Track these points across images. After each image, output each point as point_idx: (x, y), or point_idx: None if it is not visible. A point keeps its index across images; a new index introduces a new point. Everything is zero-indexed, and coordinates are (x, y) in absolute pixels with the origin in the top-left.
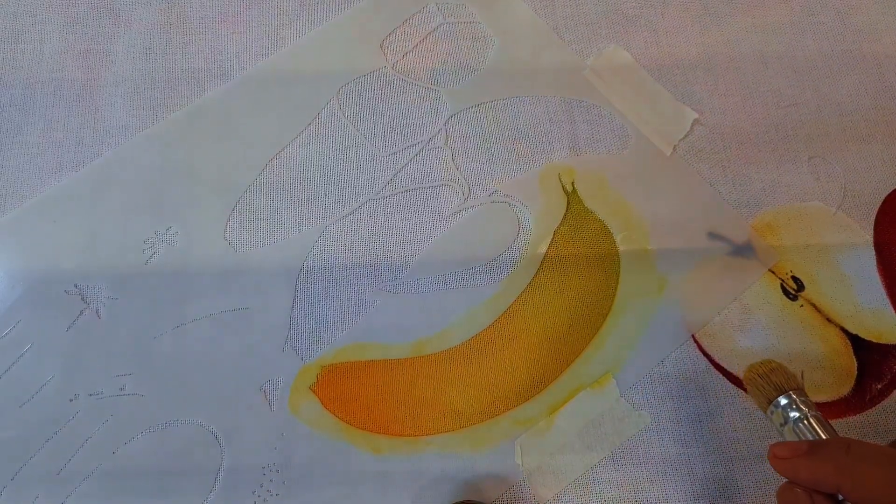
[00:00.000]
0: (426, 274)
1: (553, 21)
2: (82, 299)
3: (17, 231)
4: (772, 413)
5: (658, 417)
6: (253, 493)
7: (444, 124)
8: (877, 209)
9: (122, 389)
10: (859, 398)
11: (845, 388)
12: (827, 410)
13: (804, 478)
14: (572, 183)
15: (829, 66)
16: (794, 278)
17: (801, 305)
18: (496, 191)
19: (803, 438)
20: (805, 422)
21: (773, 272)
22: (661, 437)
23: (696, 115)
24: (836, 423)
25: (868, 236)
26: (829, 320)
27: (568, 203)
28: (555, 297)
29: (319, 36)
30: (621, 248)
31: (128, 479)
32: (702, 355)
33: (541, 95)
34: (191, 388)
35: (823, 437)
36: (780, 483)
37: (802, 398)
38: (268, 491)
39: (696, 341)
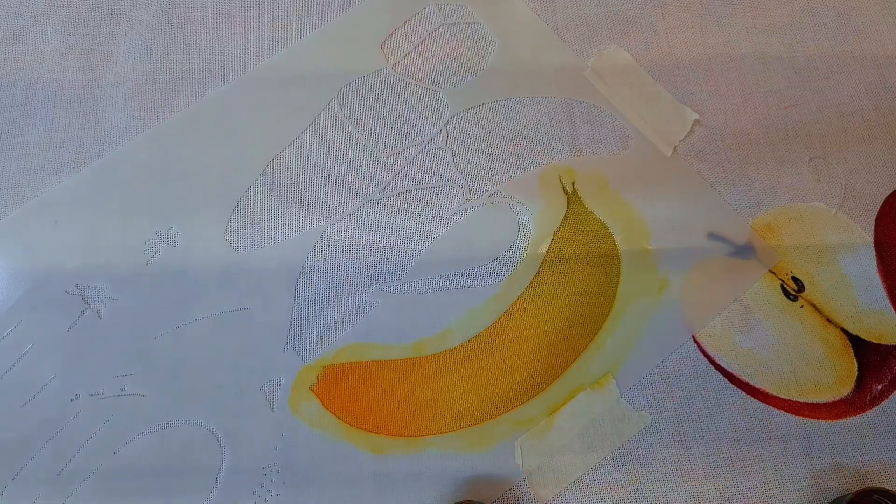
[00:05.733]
0: (426, 274)
1: (553, 22)
2: (83, 299)
3: (18, 231)
4: None
5: (658, 418)
6: (253, 493)
7: (445, 125)
8: (877, 210)
9: (122, 389)
10: (860, 399)
11: (846, 389)
12: (827, 411)
13: None
14: (573, 183)
15: (829, 66)
16: (795, 279)
17: (802, 306)
18: (497, 191)
19: None
20: None
21: (773, 273)
22: (662, 437)
23: (696, 116)
24: (837, 424)
25: (868, 237)
26: (829, 321)
27: (568, 203)
28: (555, 297)
29: (320, 37)
30: (622, 248)
31: (128, 480)
32: (702, 356)
33: (541, 96)
34: (191, 389)
35: None
36: (782, 485)
37: None
38: (268, 491)
39: (696, 342)
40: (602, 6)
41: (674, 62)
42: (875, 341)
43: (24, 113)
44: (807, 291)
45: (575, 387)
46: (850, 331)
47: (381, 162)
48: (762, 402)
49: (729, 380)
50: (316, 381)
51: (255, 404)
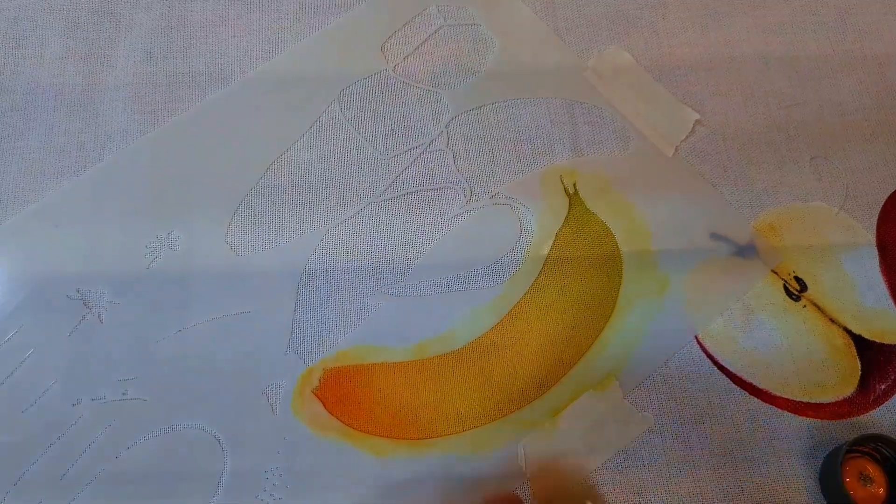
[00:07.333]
0: (428, 277)
1: (554, 22)
2: (84, 304)
3: (18, 236)
4: None
5: (661, 419)
6: (256, 497)
7: (446, 126)
8: (879, 209)
9: (124, 394)
10: (863, 398)
11: (849, 389)
12: (831, 411)
13: None
14: (574, 184)
15: (830, 65)
16: (797, 279)
17: (804, 306)
18: (498, 193)
19: None
20: None
21: (775, 273)
22: (665, 438)
23: (697, 116)
24: (841, 424)
25: (871, 236)
26: (832, 321)
27: (570, 205)
28: (557, 299)
29: (320, 39)
30: (623, 249)
31: (130, 484)
32: (705, 356)
33: (542, 97)
34: (193, 392)
35: None
36: (786, 486)
37: None
38: (271, 495)
39: (698, 342)
40: (602, 7)
41: (674, 62)
42: (878, 341)
43: (23, 117)
44: (809, 291)
45: (578, 388)
46: (854, 330)
47: (382, 164)
48: (765, 402)
49: (732, 380)
50: (318, 385)
51: (256, 408)
